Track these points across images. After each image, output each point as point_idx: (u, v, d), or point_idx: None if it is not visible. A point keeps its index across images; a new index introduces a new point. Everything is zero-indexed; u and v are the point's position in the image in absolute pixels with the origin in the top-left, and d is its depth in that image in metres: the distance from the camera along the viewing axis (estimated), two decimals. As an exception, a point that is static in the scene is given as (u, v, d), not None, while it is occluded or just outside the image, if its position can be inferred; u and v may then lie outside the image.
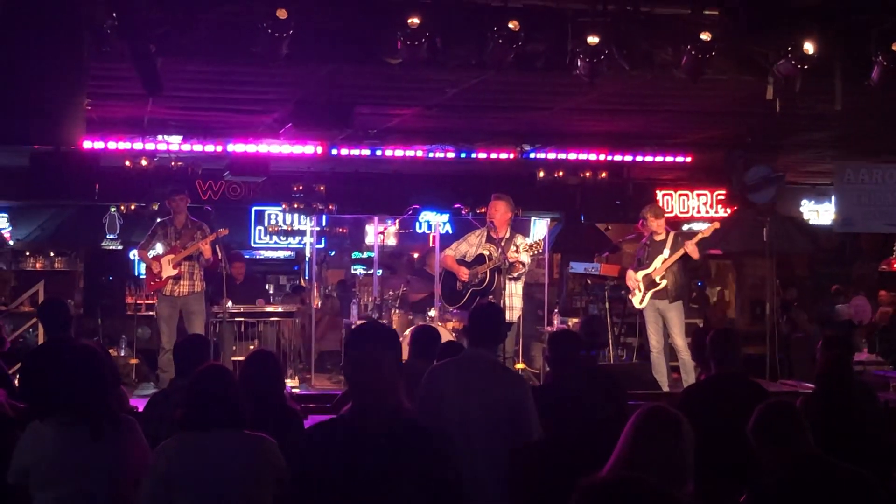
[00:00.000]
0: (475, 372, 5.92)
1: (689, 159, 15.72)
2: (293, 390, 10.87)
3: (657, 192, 17.88)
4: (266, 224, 18.48)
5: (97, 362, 5.25)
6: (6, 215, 17.65)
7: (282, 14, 7.85)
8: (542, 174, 15.87)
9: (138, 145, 13.67)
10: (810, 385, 10.16)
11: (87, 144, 12.38)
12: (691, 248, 11.16)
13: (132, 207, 16.62)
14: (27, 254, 17.63)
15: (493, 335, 6.18)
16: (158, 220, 12.42)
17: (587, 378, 6.53)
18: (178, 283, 11.32)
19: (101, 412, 5.08)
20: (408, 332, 11.95)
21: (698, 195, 18.37)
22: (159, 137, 13.68)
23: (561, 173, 15.86)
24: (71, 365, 5.23)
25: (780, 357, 13.01)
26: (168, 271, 11.27)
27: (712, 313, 15.82)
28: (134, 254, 16.60)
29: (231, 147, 13.80)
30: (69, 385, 5.13)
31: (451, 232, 15.59)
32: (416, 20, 8.18)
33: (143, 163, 14.09)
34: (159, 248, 11.53)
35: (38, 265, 17.45)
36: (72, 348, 5.83)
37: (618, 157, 15.45)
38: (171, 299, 11.36)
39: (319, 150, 14.09)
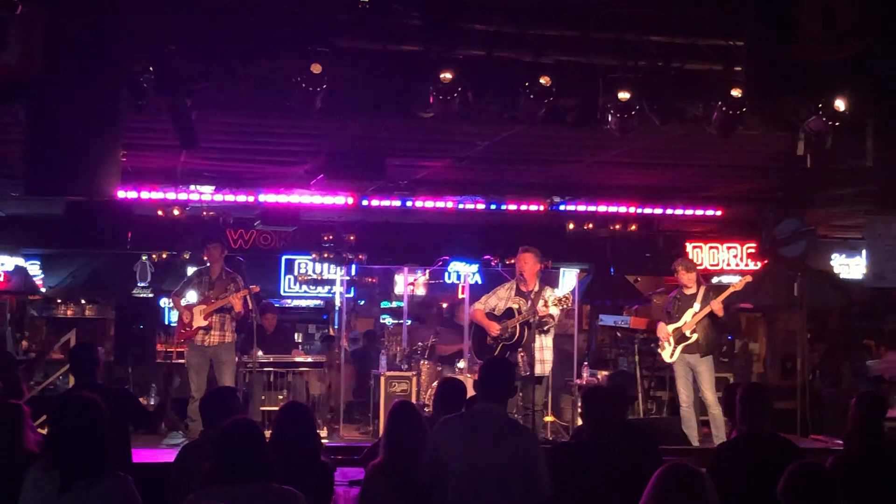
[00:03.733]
0: (485, 427, 5.92)
1: (719, 213, 15.70)
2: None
3: (687, 244, 17.84)
4: (296, 273, 18.56)
5: (87, 415, 5.20)
6: (38, 262, 17.79)
7: (316, 69, 7.95)
8: (571, 226, 15.87)
9: (171, 195, 13.77)
10: (841, 441, 10.07)
11: (120, 194, 12.49)
12: (717, 307, 11.11)
13: (164, 256, 16.74)
14: (59, 301, 17.77)
15: (502, 390, 6.16)
16: (195, 268, 12.52)
17: (627, 436, 6.53)
18: (208, 333, 11.38)
19: (75, 463, 5.03)
20: (437, 383, 11.99)
21: (728, 248, 18.29)
22: (192, 187, 13.78)
23: (591, 225, 15.86)
24: (59, 415, 5.24)
25: (811, 412, 12.88)
26: (199, 321, 11.34)
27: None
28: (165, 302, 16.73)
29: (263, 197, 13.89)
30: (54, 434, 5.17)
31: (480, 282, 15.63)
32: (448, 75, 8.25)
33: (176, 212, 14.19)
34: (192, 297, 11.60)
35: (69, 312, 17.60)
36: (68, 398, 5.87)
37: (648, 210, 15.45)
38: (201, 349, 11.41)
39: (350, 200, 14.15)
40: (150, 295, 17.03)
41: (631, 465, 6.13)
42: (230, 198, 13.92)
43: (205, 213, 14.43)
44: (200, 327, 11.35)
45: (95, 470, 5.04)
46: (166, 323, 17.05)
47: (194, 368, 11.42)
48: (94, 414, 5.19)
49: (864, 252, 15.26)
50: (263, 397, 12.18)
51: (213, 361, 11.42)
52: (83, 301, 17.83)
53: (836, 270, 18.82)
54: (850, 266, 19.00)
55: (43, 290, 17.64)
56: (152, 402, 12.88)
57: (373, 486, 6.03)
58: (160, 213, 14.30)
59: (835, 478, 4.85)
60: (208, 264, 11.79)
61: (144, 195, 13.54)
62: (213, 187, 13.81)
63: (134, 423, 7.72)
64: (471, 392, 8.52)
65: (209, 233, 12.87)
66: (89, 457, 5.05)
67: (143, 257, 17.05)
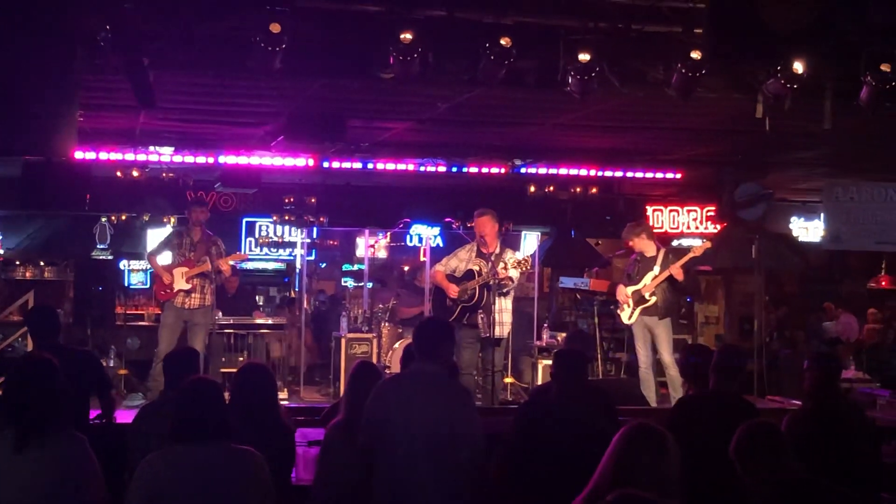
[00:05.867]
0: (419, 386, 5.95)
1: (679, 176, 15.75)
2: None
3: (647, 207, 17.90)
4: (257, 235, 18.46)
5: (42, 374, 5.16)
6: (-4, 224, 17.59)
7: (275, 28, 7.86)
8: (532, 189, 15.88)
9: (130, 156, 13.63)
10: (797, 402, 10.20)
11: (78, 155, 12.36)
12: (676, 271, 11.18)
13: (123, 218, 16.59)
14: (17, 263, 17.58)
15: (436, 349, 6.15)
16: (174, 228, 12.44)
17: (588, 396, 6.60)
18: (189, 296, 11.34)
19: (29, 424, 4.99)
20: (397, 345, 12.03)
21: (688, 211, 18.34)
22: (151, 148, 13.66)
23: (552, 188, 15.88)
24: (13, 373, 5.20)
25: (768, 374, 13.02)
26: (181, 284, 11.28)
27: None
28: (124, 264, 16.60)
29: (223, 159, 13.79)
30: (8, 393, 5.13)
31: (441, 245, 15.62)
32: (408, 36, 8.19)
33: (135, 173, 14.07)
34: (168, 257, 11.52)
35: (27, 275, 17.40)
36: (25, 358, 5.83)
37: (608, 173, 15.47)
38: (179, 310, 11.37)
39: (311, 162, 14.08)
40: (110, 257, 16.90)
41: (591, 424, 6.19)
42: (190, 159, 13.82)
43: (164, 174, 14.32)
44: (182, 290, 11.29)
45: (49, 429, 4.98)
46: (126, 285, 16.94)
47: (168, 328, 11.35)
48: (48, 373, 5.15)
49: (821, 215, 15.40)
50: (224, 359, 12.17)
51: (188, 323, 11.38)
52: (42, 263, 17.61)
53: (794, 233, 18.95)
54: (809, 229, 19.08)
55: (1, 251, 17.46)
56: (111, 364, 12.82)
57: (333, 445, 6.06)
58: (119, 174, 14.18)
59: (785, 436, 4.92)
60: (185, 226, 11.73)
61: (103, 156, 13.39)
62: (173, 148, 13.70)
63: (94, 389, 7.65)
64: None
65: (197, 195, 12.85)
66: (43, 416, 4.99)
67: (103, 219, 16.87)
